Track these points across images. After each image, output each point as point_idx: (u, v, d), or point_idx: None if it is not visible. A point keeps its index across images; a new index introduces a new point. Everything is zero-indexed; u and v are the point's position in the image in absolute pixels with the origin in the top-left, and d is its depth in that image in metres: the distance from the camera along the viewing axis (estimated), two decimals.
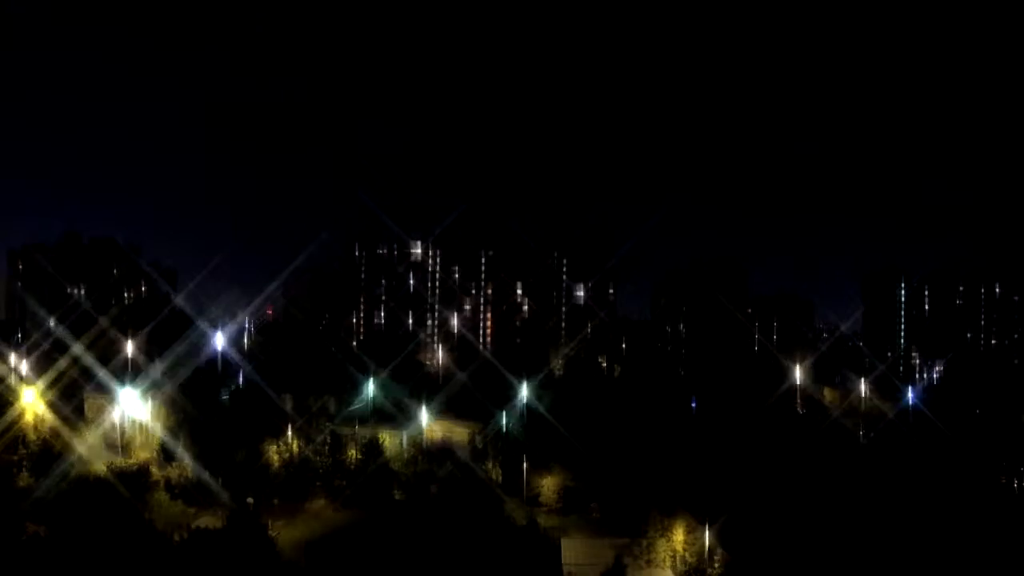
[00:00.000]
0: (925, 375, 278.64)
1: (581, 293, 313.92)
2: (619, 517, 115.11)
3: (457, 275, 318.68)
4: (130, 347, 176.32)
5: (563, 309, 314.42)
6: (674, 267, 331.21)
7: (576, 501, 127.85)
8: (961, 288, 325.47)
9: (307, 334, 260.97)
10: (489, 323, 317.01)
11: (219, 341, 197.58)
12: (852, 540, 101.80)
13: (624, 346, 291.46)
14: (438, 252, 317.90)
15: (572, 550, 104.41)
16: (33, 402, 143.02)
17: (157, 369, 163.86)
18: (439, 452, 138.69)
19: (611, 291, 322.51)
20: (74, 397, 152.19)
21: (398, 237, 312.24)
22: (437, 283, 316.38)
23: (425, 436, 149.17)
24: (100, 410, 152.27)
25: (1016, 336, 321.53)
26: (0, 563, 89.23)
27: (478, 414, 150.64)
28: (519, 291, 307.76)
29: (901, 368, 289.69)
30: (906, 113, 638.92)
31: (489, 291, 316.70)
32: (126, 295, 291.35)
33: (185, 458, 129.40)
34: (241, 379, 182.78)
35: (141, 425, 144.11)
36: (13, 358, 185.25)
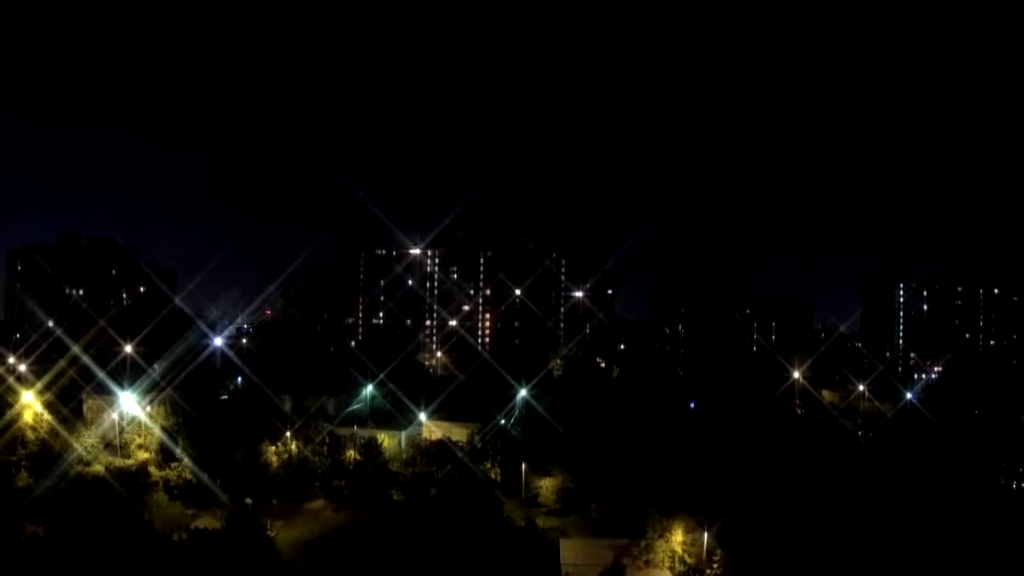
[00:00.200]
0: (923, 376, 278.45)
1: (580, 294, 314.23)
2: (618, 518, 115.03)
3: (456, 276, 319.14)
4: (129, 347, 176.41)
5: (562, 310, 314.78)
6: (673, 268, 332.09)
7: (575, 502, 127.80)
8: (960, 289, 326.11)
9: (306, 334, 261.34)
10: (488, 324, 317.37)
11: (218, 341, 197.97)
12: (851, 540, 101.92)
13: (623, 347, 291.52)
14: (437, 253, 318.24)
15: (571, 551, 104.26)
16: (32, 402, 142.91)
17: (156, 369, 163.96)
18: (438, 453, 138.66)
19: (610, 292, 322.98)
20: (73, 397, 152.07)
21: (397, 238, 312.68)
22: (436, 284, 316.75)
23: (424, 437, 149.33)
24: (99, 410, 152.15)
25: (1014, 337, 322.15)
26: None
27: (477, 415, 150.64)
28: (518, 292, 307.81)
29: (900, 369, 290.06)
30: (905, 114, 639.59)
31: (488, 292, 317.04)
32: (125, 295, 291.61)
33: (184, 459, 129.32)
34: (240, 379, 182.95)
35: (140, 425, 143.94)
36: (12, 358, 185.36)
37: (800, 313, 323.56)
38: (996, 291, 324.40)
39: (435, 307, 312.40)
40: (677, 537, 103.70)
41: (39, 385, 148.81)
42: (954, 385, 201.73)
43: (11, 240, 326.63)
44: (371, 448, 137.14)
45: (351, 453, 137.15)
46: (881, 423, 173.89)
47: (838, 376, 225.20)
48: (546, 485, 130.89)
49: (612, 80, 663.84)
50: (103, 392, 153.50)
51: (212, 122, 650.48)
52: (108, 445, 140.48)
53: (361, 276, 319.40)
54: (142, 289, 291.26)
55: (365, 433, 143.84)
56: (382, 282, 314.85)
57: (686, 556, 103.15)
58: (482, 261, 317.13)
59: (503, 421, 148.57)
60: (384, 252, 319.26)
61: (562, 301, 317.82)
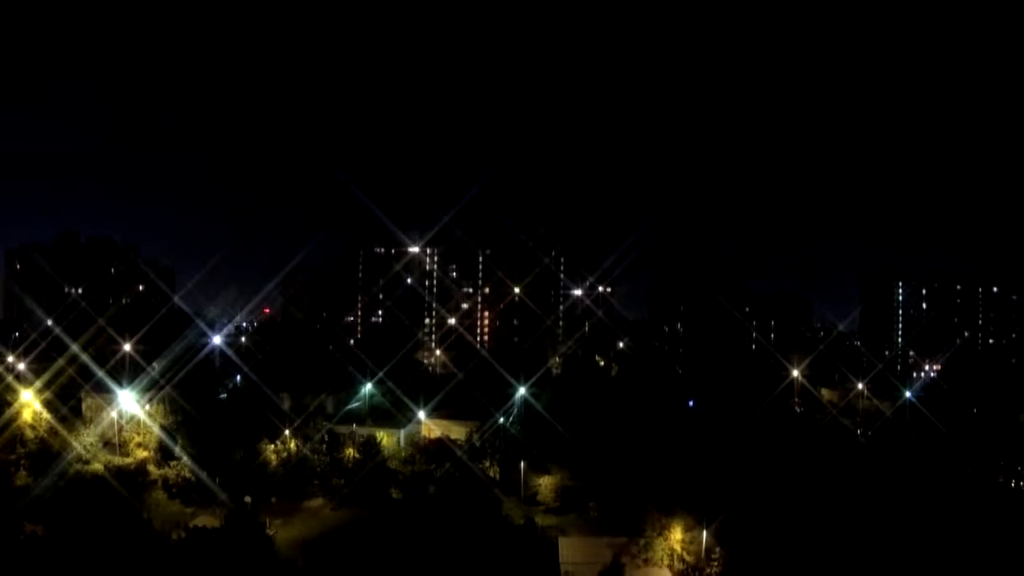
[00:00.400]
0: (922, 375, 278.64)
1: (579, 292, 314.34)
2: (617, 516, 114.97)
3: (455, 274, 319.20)
4: (128, 346, 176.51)
5: (561, 308, 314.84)
6: (672, 266, 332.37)
7: (574, 500, 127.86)
8: (959, 288, 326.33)
9: (305, 333, 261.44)
10: (487, 322, 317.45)
11: (217, 340, 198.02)
12: (850, 539, 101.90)
13: (622, 345, 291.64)
14: (436, 251, 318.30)
15: (570, 549, 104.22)
16: (31, 401, 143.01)
17: (155, 368, 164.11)
18: (437, 451, 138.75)
19: (609, 290, 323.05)
20: (72, 396, 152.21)
21: (396, 236, 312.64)
22: (435, 282, 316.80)
23: (423, 435, 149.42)
24: (98, 409, 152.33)
25: (1013, 335, 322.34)
26: None
27: (476, 413, 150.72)
28: (517, 290, 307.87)
29: (899, 367, 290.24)
30: (905, 114, 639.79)
31: (487, 290, 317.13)
32: (124, 294, 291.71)
33: (183, 457, 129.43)
34: (239, 378, 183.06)
35: (139, 424, 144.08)
36: (11, 357, 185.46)
37: (799, 312, 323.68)
38: (995, 290, 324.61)
39: (434, 305, 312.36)
40: (676, 535, 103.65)
41: (38, 384, 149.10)
42: (953, 384, 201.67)
43: (10, 239, 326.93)
44: (370, 446, 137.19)
45: (350, 451, 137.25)
46: (880, 422, 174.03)
47: (837, 375, 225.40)
48: (545, 483, 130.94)
49: (612, 79, 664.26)
50: (102, 391, 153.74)
51: (212, 122, 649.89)
52: (107, 444, 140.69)
53: (360, 275, 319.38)
54: (141, 288, 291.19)
55: (364, 431, 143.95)
56: (381, 281, 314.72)
57: (685, 554, 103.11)
58: (481, 259, 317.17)
59: (502, 419, 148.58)
60: (383, 250, 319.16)
61: (561, 299, 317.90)
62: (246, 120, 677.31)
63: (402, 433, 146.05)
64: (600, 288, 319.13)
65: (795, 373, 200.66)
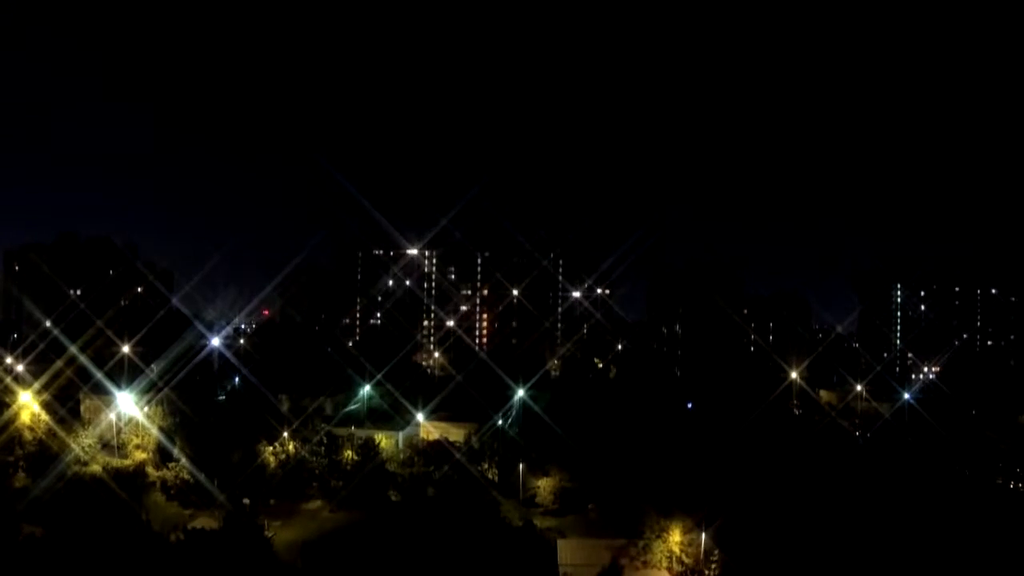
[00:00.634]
0: (921, 376, 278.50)
1: (577, 294, 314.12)
2: (616, 518, 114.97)
3: (453, 276, 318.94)
4: (126, 348, 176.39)
5: (559, 310, 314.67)
6: (670, 268, 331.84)
7: (573, 502, 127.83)
8: (957, 289, 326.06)
9: (303, 335, 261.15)
10: (485, 324, 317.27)
11: (215, 342, 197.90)
12: (849, 540, 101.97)
13: (620, 347, 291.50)
14: (434, 253, 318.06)
15: (568, 551, 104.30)
16: (29, 402, 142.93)
17: (153, 370, 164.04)
18: (435, 453, 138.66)
19: (607, 292, 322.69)
20: (70, 398, 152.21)
21: (394, 238, 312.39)
22: (433, 284, 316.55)
23: (421, 437, 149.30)
24: (96, 411, 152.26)
25: (1012, 337, 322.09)
26: None
27: (474, 415, 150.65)
28: (515, 292, 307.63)
29: (897, 369, 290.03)
30: (903, 114, 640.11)
31: (485, 292, 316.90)
32: (122, 296, 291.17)
33: (181, 459, 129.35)
34: (237, 380, 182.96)
35: (137, 426, 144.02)
36: (9, 359, 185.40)
37: (797, 313, 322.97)
38: (994, 291, 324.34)
39: (432, 307, 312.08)
40: (675, 537, 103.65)
41: (37, 385, 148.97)
42: (952, 386, 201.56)
43: (9, 240, 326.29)
44: (368, 448, 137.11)
45: (348, 453, 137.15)
46: (879, 423, 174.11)
47: (836, 376, 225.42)
48: (544, 485, 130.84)
49: (610, 80, 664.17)
50: (101, 392, 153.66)
51: (210, 122, 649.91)
52: (106, 445, 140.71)
53: (359, 277, 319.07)
54: (139, 289, 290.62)
55: (362, 433, 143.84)
56: (379, 283, 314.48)
57: (684, 556, 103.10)
58: (480, 261, 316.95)
59: (501, 421, 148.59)
60: (381, 252, 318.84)
61: (560, 301, 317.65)
62: (245, 121, 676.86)
63: (401, 435, 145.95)
64: (598, 290, 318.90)
65: (793, 375, 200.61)
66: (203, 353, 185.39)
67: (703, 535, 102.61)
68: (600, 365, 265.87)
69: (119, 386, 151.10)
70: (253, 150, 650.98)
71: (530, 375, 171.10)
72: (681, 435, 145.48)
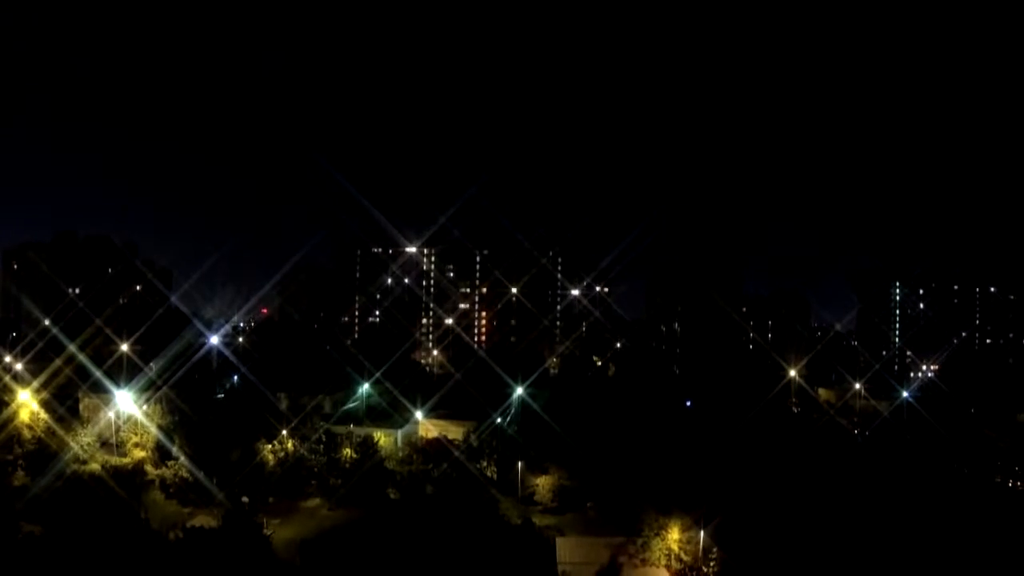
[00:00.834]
0: (920, 374, 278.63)
1: (576, 292, 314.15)
2: (614, 516, 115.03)
3: (452, 274, 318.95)
4: (125, 346, 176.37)
5: (558, 308, 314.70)
6: (669, 266, 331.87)
7: (571, 500, 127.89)
8: (956, 288, 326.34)
9: (302, 333, 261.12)
10: (484, 322, 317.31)
11: (214, 340, 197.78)
12: (848, 538, 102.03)
13: (619, 345, 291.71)
14: (433, 251, 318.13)
15: (567, 549, 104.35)
16: (28, 401, 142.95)
17: (152, 368, 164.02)
18: (434, 451, 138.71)
19: (606, 290, 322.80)
20: (69, 396, 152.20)
21: (393, 236, 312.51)
22: (432, 282, 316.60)
23: (420, 435, 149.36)
24: (95, 409, 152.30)
25: (1010, 335, 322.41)
26: None
27: (473, 413, 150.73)
28: (514, 290, 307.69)
29: (896, 367, 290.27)
30: (903, 113, 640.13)
31: (484, 290, 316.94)
32: (121, 294, 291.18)
33: (180, 457, 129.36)
34: (236, 378, 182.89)
35: (136, 424, 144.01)
36: (8, 357, 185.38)
37: (796, 312, 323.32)
38: (992, 290, 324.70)
39: (431, 305, 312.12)
40: (673, 535, 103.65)
41: (35, 384, 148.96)
42: (950, 384, 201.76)
43: (7, 238, 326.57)
44: (367, 446, 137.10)
45: (347, 451, 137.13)
46: (877, 422, 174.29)
47: (834, 375, 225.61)
48: (542, 483, 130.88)
49: (609, 79, 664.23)
50: (99, 391, 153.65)
51: (209, 121, 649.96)
52: (104, 444, 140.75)
53: (357, 275, 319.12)
54: (138, 288, 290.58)
55: (361, 431, 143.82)
56: (378, 281, 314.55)
57: (682, 554, 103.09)
58: (478, 260, 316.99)
59: (499, 419, 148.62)
60: (380, 251, 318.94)
61: (558, 299, 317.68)
62: (244, 120, 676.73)
63: (399, 433, 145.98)
64: (597, 288, 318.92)
65: (792, 373, 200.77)
66: (202, 351, 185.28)
67: (702, 533, 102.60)
68: (599, 363, 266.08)
69: (118, 384, 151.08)
70: (252, 149, 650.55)
71: (529, 373, 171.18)
72: (680, 433, 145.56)
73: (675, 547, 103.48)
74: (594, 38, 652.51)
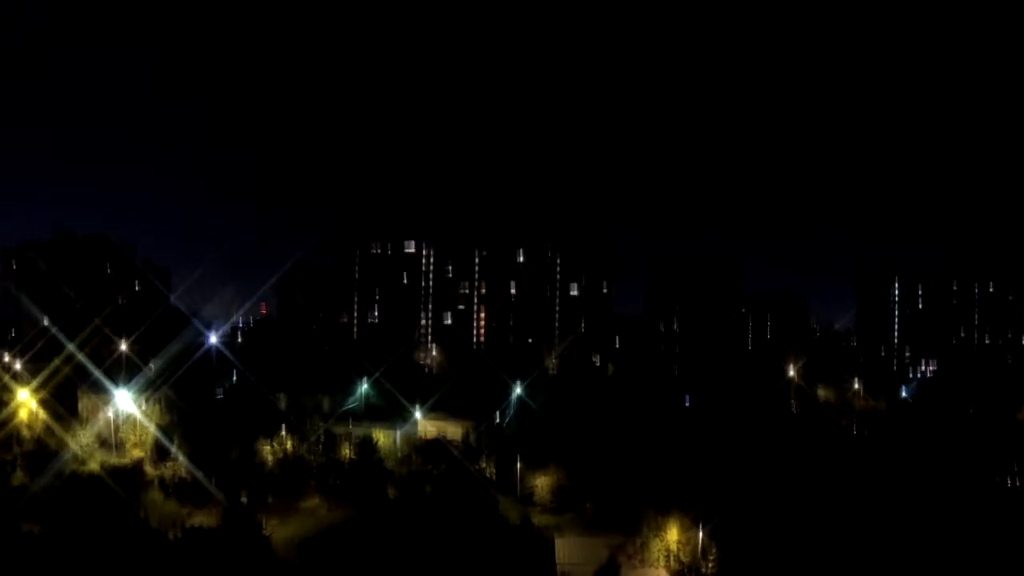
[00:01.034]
0: (918, 373, 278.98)
1: (575, 291, 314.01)
2: (613, 515, 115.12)
3: (451, 273, 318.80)
4: (124, 346, 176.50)
5: (557, 307, 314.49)
6: (668, 264, 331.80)
7: (570, 499, 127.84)
8: (955, 286, 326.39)
9: (301, 332, 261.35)
10: (483, 321, 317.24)
11: (213, 339, 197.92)
12: (847, 538, 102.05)
13: (618, 344, 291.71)
14: (432, 250, 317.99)
15: (566, 548, 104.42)
16: (27, 400, 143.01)
17: (151, 368, 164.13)
18: (433, 450, 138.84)
19: (605, 289, 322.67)
20: (68, 396, 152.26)
21: (392, 235, 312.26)
22: (431, 281, 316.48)
23: (419, 434, 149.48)
24: (94, 408, 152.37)
25: (1009, 334, 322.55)
26: None
27: (472, 412, 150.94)
28: (513, 289, 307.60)
29: (895, 366, 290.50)
30: (901, 110, 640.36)
31: (483, 289, 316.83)
32: (120, 294, 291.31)
33: (179, 456, 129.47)
34: (235, 377, 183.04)
35: (135, 423, 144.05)
36: (7, 356, 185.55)
37: (795, 310, 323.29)
38: (991, 288, 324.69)
39: (430, 304, 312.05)
40: (672, 535, 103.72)
41: (34, 383, 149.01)
42: (949, 382, 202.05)
43: (6, 239, 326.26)
44: (366, 446, 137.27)
45: (346, 451, 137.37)
46: (876, 420, 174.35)
47: (833, 373, 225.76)
48: (541, 483, 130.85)
49: (609, 76, 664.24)
50: (98, 390, 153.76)
51: (208, 121, 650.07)
52: (103, 443, 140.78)
53: (356, 274, 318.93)
54: (137, 287, 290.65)
55: (360, 431, 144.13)
56: (377, 280, 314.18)
57: (681, 554, 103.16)
58: (477, 258, 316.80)
59: (498, 419, 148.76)
60: (379, 250, 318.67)
61: (557, 298, 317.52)
62: (242, 119, 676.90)
63: (398, 432, 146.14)
64: (596, 286, 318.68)
65: (791, 372, 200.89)
66: (201, 351, 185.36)
67: (700, 533, 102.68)
68: (598, 362, 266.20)
69: (117, 384, 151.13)
70: (251, 148, 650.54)
71: (528, 372, 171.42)
72: (679, 432, 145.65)
73: (674, 547, 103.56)
74: (594, 35, 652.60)
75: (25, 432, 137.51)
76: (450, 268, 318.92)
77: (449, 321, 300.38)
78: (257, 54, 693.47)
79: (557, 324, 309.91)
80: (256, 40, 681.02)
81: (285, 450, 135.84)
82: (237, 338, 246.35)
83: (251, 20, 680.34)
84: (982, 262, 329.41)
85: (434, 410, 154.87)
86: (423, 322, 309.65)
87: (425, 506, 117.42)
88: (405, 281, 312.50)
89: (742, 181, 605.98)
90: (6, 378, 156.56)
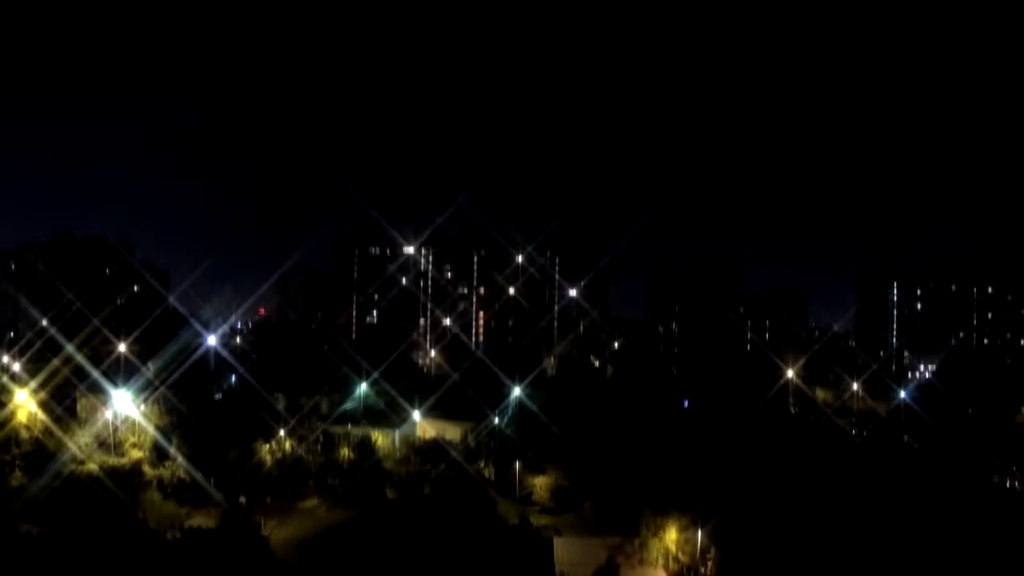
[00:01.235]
0: (917, 374, 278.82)
1: (574, 292, 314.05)
2: (612, 516, 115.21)
3: (449, 274, 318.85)
4: (123, 347, 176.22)
5: (556, 308, 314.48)
6: (667, 266, 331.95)
7: (569, 500, 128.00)
8: (953, 288, 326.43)
9: (300, 333, 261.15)
10: (482, 322, 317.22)
11: (212, 340, 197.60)
12: (846, 539, 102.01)
13: (617, 345, 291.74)
14: (431, 252, 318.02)
15: (565, 549, 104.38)
16: (26, 401, 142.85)
17: (149, 368, 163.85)
18: (432, 451, 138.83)
19: (604, 290, 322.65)
20: (67, 396, 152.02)
21: (391, 236, 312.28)
22: (429, 282, 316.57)
23: (418, 435, 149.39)
24: (93, 409, 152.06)
25: (1008, 336, 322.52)
26: None
27: (471, 413, 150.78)
28: (511, 290, 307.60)
29: (893, 367, 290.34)
30: (900, 112, 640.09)
31: (482, 291, 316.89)
32: (119, 295, 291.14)
33: (178, 457, 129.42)
34: (234, 378, 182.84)
35: (134, 424, 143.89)
36: (6, 357, 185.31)
37: (794, 311, 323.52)
38: (990, 290, 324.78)
39: (429, 306, 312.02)
40: (671, 535, 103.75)
41: (33, 384, 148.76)
42: (948, 384, 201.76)
43: (5, 240, 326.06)
44: (365, 447, 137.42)
45: (345, 452, 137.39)
46: (875, 422, 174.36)
47: (832, 375, 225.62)
48: (540, 483, 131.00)
49: (606, 77, 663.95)
50: (97, 391, 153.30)
51: (206, 121, 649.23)
52: (102, 444, 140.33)
53: (355, 275, 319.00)
54: (136, 288, 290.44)
55: (359, 432, 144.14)
56: (376, 281, 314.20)
57: (680, 554, 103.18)
58: (476, 260, 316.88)
59: (497, 420, 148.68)
60: (378, 251, 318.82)
61: (556, 299, 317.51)
62: (241, 119, 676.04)
63: (397, 433, 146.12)
64: (595, 288, 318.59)
65: (790, 373, 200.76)
66: (199, 352, 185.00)
67: (699, 533, 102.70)
68: (597, 363, 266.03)
69: (116, 385, 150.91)
70: (249, 149, 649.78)
71: (526, 373, 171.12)
72: (678, 433, 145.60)
73: (672, 547, 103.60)
74: (591, 36, 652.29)
75: (24, 433, 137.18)
76: (449, 269, 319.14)
77: (448, 322, 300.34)
78: (257, 54, 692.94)
79: (556, 326, 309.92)
80: (256, 40, 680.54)
81: (284, 451, 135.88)
82: (236, 339, 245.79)
83: (251, 20, 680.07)
84: (981, 264, 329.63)
85: (433, 411, 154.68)
86: (422, 323, 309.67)
87: (424, 507, 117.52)
88: (404, 282, 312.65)
89: (743, 182, 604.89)
90: (5, 379, 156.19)
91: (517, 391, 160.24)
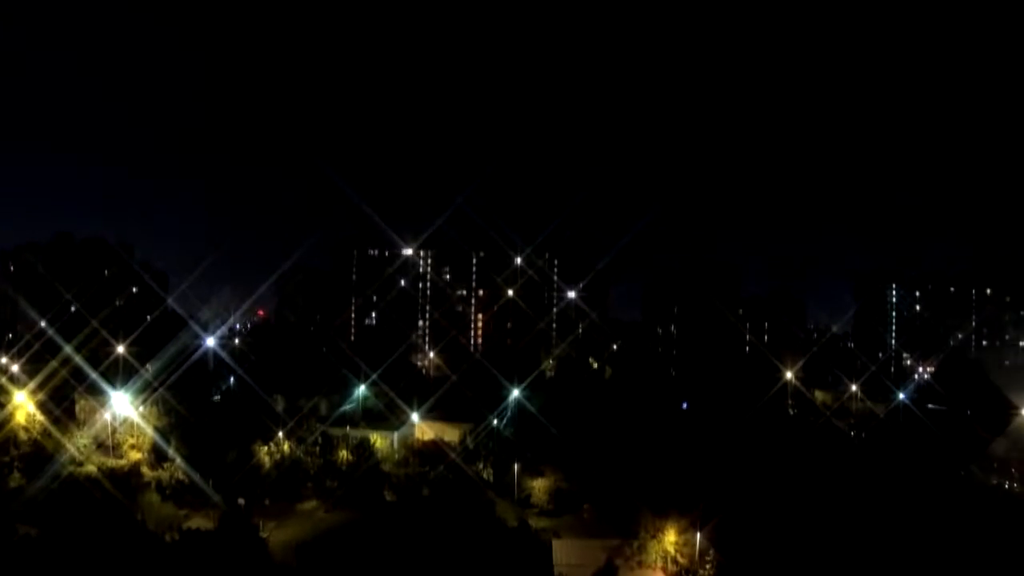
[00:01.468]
0: (916, 376, 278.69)
1: (572, 294, 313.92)
2: (611, 518, 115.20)
3: (448, 276, 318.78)
4: (121, 348, 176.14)
5: (554, 310, 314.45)
6: (666, 267, 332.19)
7: (568, 502, 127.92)
8: (952, 290, 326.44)
9: (299, 335, 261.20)
10: (480, 324, 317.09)
11: (210, 342, 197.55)
12: (845, 540, 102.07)
13: (615, 347, 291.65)
14: (429, 254, 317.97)
15: (564, 551, 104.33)
16: (24, 403, 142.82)
17: (148, 370, 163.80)
18: (430, 453, 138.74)
19: (603, 292, 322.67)
20: (65, 398, 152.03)
21: (389, 238, 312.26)
22: (428, 284, 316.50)
23: (416, 437, 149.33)
24: (91, 411, 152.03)
25: (1007, 337, 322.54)
26: None
27: (469, 415, 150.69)
28: (510, 292, 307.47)
29: (892, 369, 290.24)
30: (900, 115, 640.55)
31: (480, 293, 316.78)
32: (117, 296, 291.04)
33: (176, 459, 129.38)
34: (232, 380, 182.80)
35: (132, 426, 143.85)
36: (4, 358, 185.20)
37: (793, 313, 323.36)
38: (988, 292, 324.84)
39: (427, 308, 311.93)
40: (670, 537, 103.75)
41: (31, 385, 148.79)
42: (946, 386, 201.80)
43: (4, 240, 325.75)
44: (363, 449, 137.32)
45: (344, 454, 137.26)
46: (873, 423, 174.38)
47: (831, 376, 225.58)
48: (539, 485, 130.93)
49: (605, 80, 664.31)
50: (96, 392, 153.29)
51: (205, 122, 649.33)
52: (100, 445, 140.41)
53: (354, 277, 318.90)
54: (135, 290, 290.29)
55: (357, 434, 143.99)
56: (375, 283, 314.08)
57: (679, 556, 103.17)
58: (475, 262, 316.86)
59: (496, 421, 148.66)
60: (377, 253, 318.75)
61: (555, 301, 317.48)
62: (240, 121, 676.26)
63: (396, 435, 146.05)
64: (594, 290, 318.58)
65: (789, 375, 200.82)
66: (198, 353, 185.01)
67: (698, 535, 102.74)
68: (595, 365, 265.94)
69: (114, 386, 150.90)
70: (248, 150, 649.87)
71: (525, 375, 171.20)
72: (676, 435, 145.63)
73: (671, 549, 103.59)
74: (589, 37, 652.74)
75: (22, 434, 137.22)
76: (448, 271, 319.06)
77: (447, 324, 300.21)
78: (257, 54, 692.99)
79: (554, 327, 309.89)
80: (256, 40, 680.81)
81: (282, 453, 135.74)
82: (234, 340, 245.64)
83: (251, 20, 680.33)
84: (979, 266, 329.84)
85: (431, 413, 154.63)
86: (420, 325, 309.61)
87: (422, 509, 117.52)
88: (402, 284, 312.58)
89: (741, 184, 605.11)
90: (3, 380, 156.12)
91: (516, 393, 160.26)
